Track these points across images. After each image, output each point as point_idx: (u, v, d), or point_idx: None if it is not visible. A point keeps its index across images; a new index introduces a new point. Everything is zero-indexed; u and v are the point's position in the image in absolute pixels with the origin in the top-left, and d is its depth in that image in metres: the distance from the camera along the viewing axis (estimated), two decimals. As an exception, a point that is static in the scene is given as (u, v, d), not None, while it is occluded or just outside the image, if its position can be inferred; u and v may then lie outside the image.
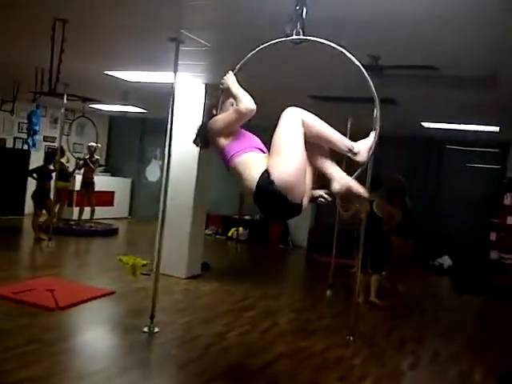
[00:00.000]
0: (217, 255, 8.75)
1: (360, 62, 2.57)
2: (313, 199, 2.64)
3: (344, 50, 2.57)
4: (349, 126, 6.05)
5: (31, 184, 8.92)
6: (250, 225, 10.88)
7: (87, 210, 10.01)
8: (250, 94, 2.61)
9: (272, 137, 2.47)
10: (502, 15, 3.02)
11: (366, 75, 2.55)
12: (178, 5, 3.56)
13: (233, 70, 2.78)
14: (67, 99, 7.79)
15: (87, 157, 10.08)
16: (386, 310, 6.07)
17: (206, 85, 6.58)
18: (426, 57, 4.24)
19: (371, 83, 2.56)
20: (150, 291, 4.75)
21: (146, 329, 4.45)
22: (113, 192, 12.22)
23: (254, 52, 2.79)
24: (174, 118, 4.70)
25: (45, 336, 4.10)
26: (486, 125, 7.43)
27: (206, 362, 3.97)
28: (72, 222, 10.15)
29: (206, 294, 6.08)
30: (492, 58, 4.09)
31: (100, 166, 11.39)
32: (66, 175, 9.34)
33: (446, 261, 9.25)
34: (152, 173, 12.53)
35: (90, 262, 7.78)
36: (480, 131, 7.90)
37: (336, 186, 2.55)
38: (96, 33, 4.63)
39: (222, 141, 2.66)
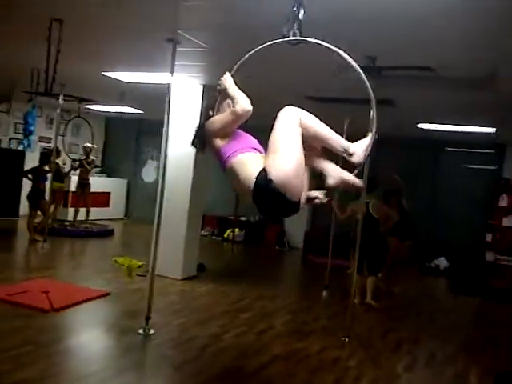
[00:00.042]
0: (213, 256, 8.74)
1: (357, 62, 2.57)
2: (309, 200, 2.64)
3: (341, 51, 2.57)
4: (345, 127, 6.05)
5: (26, 185, 8.88)
6: (246, 226, 10.88)
7: (83, 210, 9.97)
8: (247, 95, 2.60)
9: (269, 137, 2.46)
10: (501, 15, 3.03)
11: (363, 76, 2.54)
12: (174, 5, 3.55)
13: (230, 71, 2.78)
14: (63, 100, 7.76)
15: (83, 158, 10.05)
16: (382, 311, 6.08)
17: (204, 86, 6.58)
18: (423, 57, 4.24)
19: (368, 84, 2.55)
20: (145, 292, 4.74)
21: (141, 330, 4.43)
22: (109, 193, 12.18)
23: (251, 53, 2.78)
24: (170, 119, 4.69)
25: (40, 338, 4.08)
26: (482, 126, 7.45)
27: (201, 363, 3.96)
28: (67, 223, 10.11)
29: (201, 295, 6.06)
30: (490, 58, 4.09)
31: (96, 166, 11.37)
32: (61, 176, 9.31)
33: (443, 262, 9.28)
34: (148, 174, 12.52)
35: (85, 263, 7.75)
36: (476, 132, 7.92)
37: (330, 181, 2.55)
38: (92, 33, 4.61)
39: (219, 142, 2.66)
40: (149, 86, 6.88)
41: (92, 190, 10.19)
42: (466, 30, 3.47)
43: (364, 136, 2.62)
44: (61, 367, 3.64)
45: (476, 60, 4.21)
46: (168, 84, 4.59)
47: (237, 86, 2.67)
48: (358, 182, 2.57)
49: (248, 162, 2.53)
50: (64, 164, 9.89)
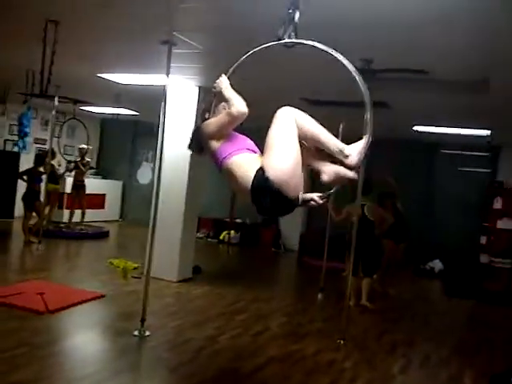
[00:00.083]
0: (208, 258, 8.73)
1: (352, 65, 2.58)
2: (304, 202, 2.64)
3: (336, 54, 2.58)
4: (341, 129, 6.05)
5: (21, 186, 8.86)
6: (242, 228, 10.88)
7: (78, 212, 9.95)
8: (242, 97, 2.61)
9: (265, 138, 2.47)
10: (495, 19, 3.05)
11: (358, 79, 2.55)
12: (170, 7, 3.55)
13: (226, 73, 2.79)
14: (58, 101, 7.73)
15: (78, 159, 10.03)
16: (377, 313, 6.09)
17: (200, 88, 6.57)
18: (418, 60, 4.26)
19: (362, 86, 2.56)
20: (140, 294, 4.73)
21: (136, 332, 4.42)
22: (104, 195, 12.17)
23: (246, 55, 2.79)
24: (166, 121, 4.68)
25: (34, 339, 4.06)
26: (477, 128, 7.48)
27: (197, 365, 3.96)
28: (62, 225, 10.08)
29: (197, 297, 6.06)
30: (484, 61, 4.12)
31: (91, 168, 11.34)
32: (56, 177, 9.29)
33: (437, 264, 9.31)
34: (143, 175, 12.49)
35: (80, 265, 7.72)
36: (471, 135, 7.96)
37: (324, 177, 2.56)
38: (88, 34, 4.61)
39: (214, 143, 2.66)
40: (144, 87, 6.88)
41: (87, 191, 10.15)
42: (458, 36, 3.50)
43: (359, 139, 2.62)
44: (55, 369, 3.63)
45: (469, 65, 4.24)
46: (164, 86, 4.60)
47: (232, 88, 2.67)
48: (351, 174, 2.57)
49: (244, 162, 2.54)
50: (59, 165, 9.87)
